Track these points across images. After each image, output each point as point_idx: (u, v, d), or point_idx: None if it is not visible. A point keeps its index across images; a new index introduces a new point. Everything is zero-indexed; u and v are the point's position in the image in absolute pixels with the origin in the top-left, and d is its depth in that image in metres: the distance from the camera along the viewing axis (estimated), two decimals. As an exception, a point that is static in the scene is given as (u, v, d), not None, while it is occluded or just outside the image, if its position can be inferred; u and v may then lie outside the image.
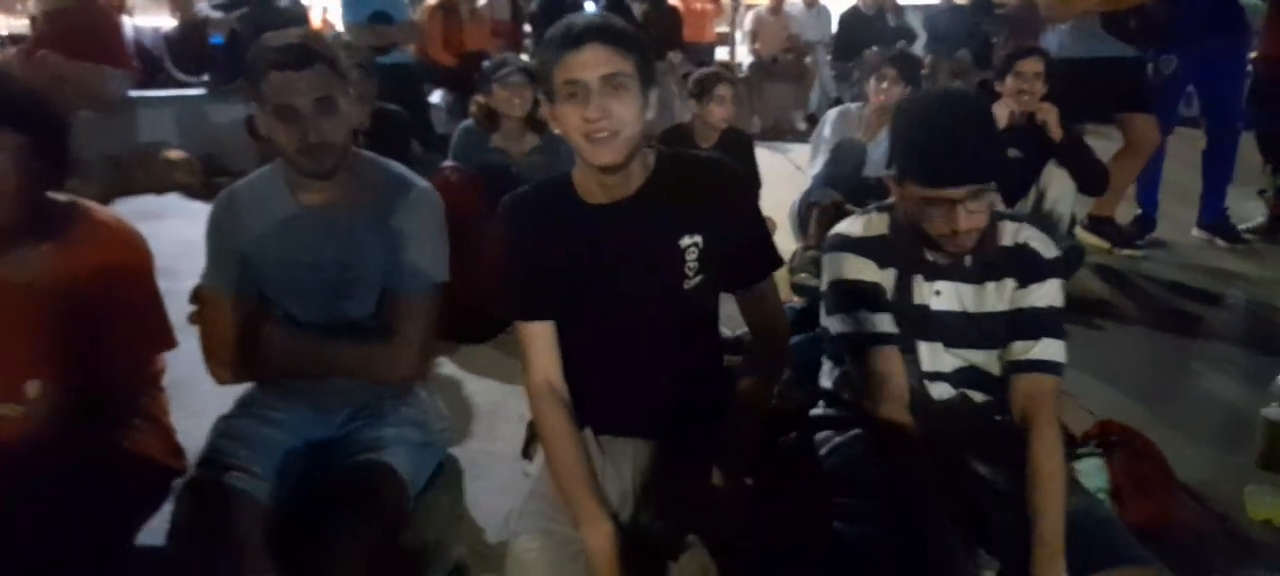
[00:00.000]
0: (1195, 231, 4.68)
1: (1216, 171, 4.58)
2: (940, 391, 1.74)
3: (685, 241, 1.56)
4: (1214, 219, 4.65)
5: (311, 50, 1.70)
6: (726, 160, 1.65)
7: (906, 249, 1.72)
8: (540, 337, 1.61)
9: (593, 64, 1.42)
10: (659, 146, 1.64)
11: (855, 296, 1.71)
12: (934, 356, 1.73)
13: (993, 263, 1.70)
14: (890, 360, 1.67)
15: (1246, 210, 4.83)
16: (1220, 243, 4.57)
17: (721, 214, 1.58)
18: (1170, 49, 4.42)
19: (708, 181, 1.60)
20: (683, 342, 1.62)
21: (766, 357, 1.67)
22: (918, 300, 1.72)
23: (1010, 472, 1.60)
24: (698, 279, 1.58)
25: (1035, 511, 1.50)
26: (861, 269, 1.72)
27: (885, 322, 1.69)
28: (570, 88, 1.44)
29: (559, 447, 1.56)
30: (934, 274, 1.71)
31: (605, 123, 1.43)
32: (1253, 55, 4.76)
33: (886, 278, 1.72)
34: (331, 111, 1.71)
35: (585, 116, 1.43)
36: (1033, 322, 1.66)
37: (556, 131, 1.53)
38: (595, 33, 1.43)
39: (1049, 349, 1.64)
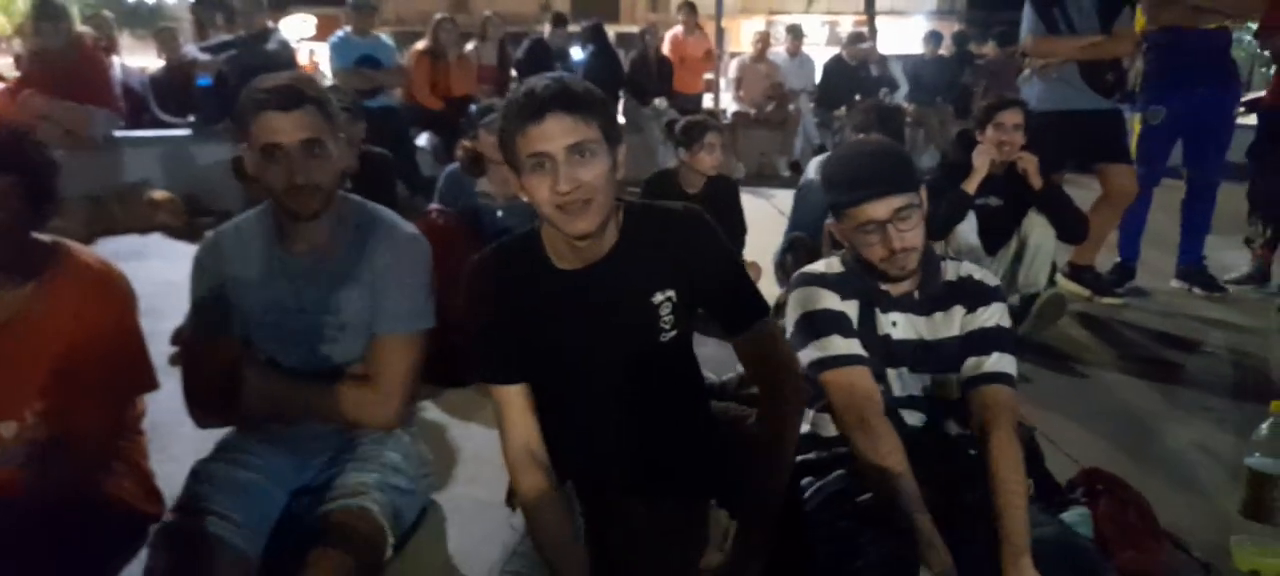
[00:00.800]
0: (1173, 281, 4.72)
1: (1195, 220, 4.61)
2: (913, 418, 1.79)
3: (658, 297, 1.55)
4: (1191, 266, 4.67)
5: (301, 92, 1.71)
6: (696, 209, 1.62)
7: (861, 282, 1.81)
8: (514, 401, 1.59)
9: (556, 134, 1.39)
10: (629, 199, 1.61)
11: (823, 323, 1.77)
12: (902, 382, 1.80)
13: (939, 296, 1.81)
14: (861, 375, 1.73)
15: (1230, 259, 4.88)
16: (1197, 291, 4.60)
17: (695, 265, 1.56)
18: (1158, 99, 4.50)
19: (679, 234, 1.57)
20: (662, 394, 1.61)
21: (777, 402, 1.62)
22: (880, 331, 1.80)
23: (979, 492, 1.63)
24: (673, 333, 1.57)
25: (998, 513, 1.55)
26: (826, 299, 1.80)
27: (853, 346, 1.76)
28: (536, 160, 1.40)
29: (540, 514, 1.54)
30: (889, 305, 1.81)
31: (576, 193, 1.40)
32: (1244, 103, 4.84)
33: (850, 308, 1.80)
34: (318, 153, 1.71)
35: (556, 189, 1.40)
36: (983, 340, 1.77)
37: (526, 200, 1.48)
38: (555, 101, 1.39)
39: (1001, 362, 1.74)
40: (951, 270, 1.84)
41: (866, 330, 1.79)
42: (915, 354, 1.80)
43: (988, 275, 1.85)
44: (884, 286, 1.80)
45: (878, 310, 1.80)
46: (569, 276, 1.55)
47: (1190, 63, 4.37)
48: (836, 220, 1.79)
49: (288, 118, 1.68)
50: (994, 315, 1.79)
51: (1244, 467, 2.08)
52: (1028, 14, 4.40)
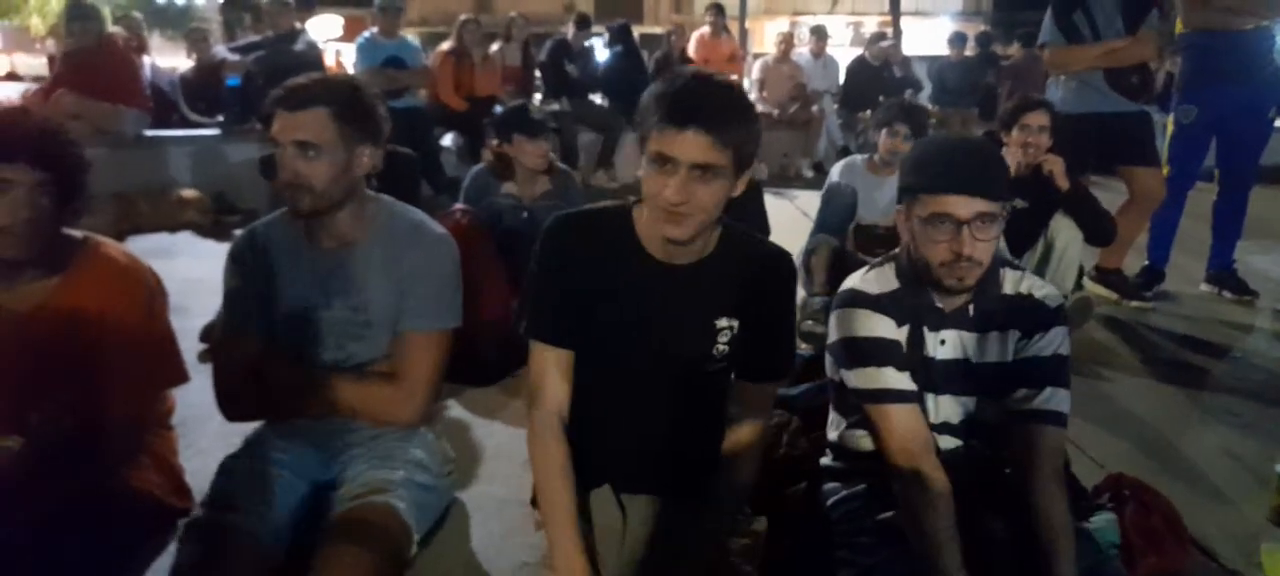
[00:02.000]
0: (1203, 285, 4.65)
1: (1226, 223, 4.53)
2: (948, 443, 1.73)
3: (722, 322, 1.56)
4: (1220, 270, 4.59)
5: (311, 93, 1.74)
6: (784, 252, 1.64)
7: (913, 298, 1.70)
8: (558, 365, 1.59)
9: (690, 149, 1.37)
10: (727, 221, 1.59)
11: (873, 352, 1.67)
12: (939, 408, 1.72)
13: (994, 311, 1.70)
14: (915, 418, 1.64)
15: (1262, 265, 4.79)
16: (1227, 295, 4.53)
17: (764, 305, 1.58)
18: (1192, 99, 4.42)
19: (763, 271, 1.59)
20: (691, 409, 1.62)
21: (738, 456, 1.61)
22: (926, 353, 1.71)
23: (1012, 522, 1.60)
24: (722, 365, 1.59)
25: (1048, 556, 1.49)
26: (879, 326, 1.69)
27: (906, 381, 1.66)
28: (662, 160, 1.40)
29: (552, 481, 1.54)
30: (939, 322, 1.70)
31: (685, 207, 1.41)
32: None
33: (902, 335, 1.70)
34: (310, 155, 1.73)
35: (667, 195, 1.40)
36: (1038, 371, 1.65)
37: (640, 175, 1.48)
38: (702, 118, 1.37)
39: (1054, 399, 1.63)
40: (1011, 282, 1.72)
41: (913, 354, 1.69)
42: (959, 376, 1.70)
43: (1051, 292, 1.72)
44: (938, 302, 1.69)
45: (926, 330, 1.70)
46: (653, 264, 1.56)
47: (1225, 64, 4.28)
48: (907, 206, 1.66)
49: (290, 118, 1.72)
50: (1052, 343, 1.67)
51: (1273, 474, 2.05)
52: (1047, 23, 4.36)
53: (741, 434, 1.62)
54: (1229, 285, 4.55)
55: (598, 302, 1.56)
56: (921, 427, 1.64)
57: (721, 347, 1.57)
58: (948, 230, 1.57)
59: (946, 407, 1.72)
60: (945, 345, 1.70)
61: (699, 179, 1.39)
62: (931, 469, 1.58)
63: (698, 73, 1.45)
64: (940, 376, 1.70)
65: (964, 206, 1.55)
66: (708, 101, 1.38)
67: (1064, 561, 1.48)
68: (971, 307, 1.70)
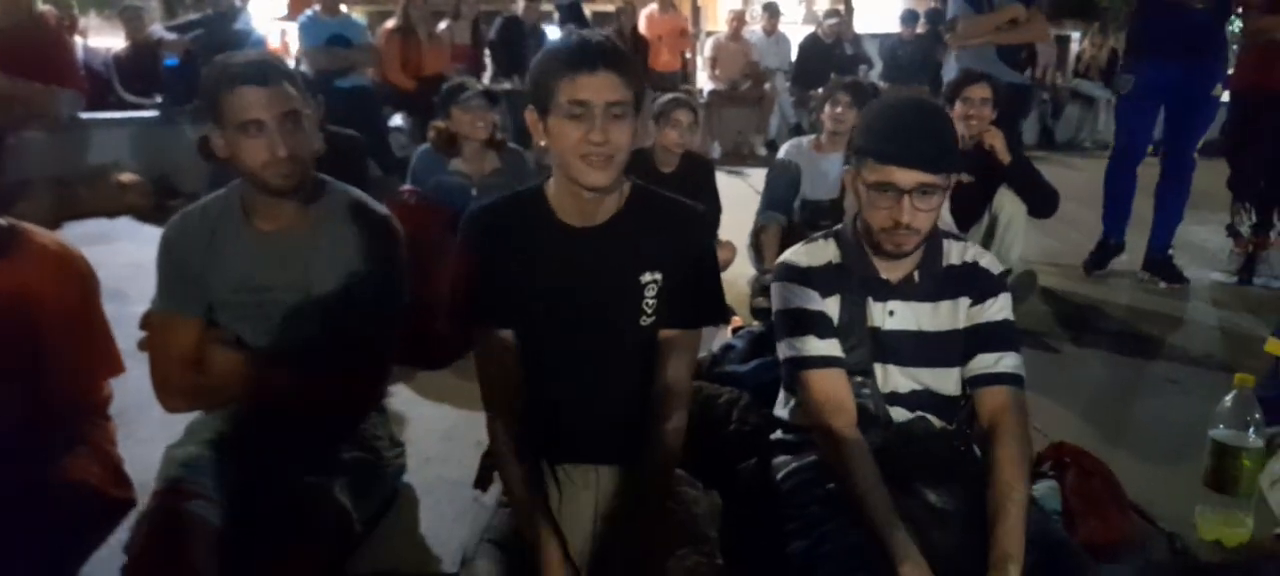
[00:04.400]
0: (1140, 272, 4.59)
1: (1168, 204, 4.47)
2: (899, 415, 1.74)
3: (645, 277, 1.58)
4: (1156, 255, 4.53)
5: (275, 67, 1.72)
6: (696, 206, 1.68)
7: (857, 267, 1.73)
8: (503, 349, 1.60)
9: (603, 88, 1.45)
10: (634, 180, 1.65)
11: (799, 321, 1.71)
12: (889, 378, 1.74)
13: (943, 281, 1.73)
14: (834, 381, 1.67)
15: (1202, 238, 4.87)
16: (1161, 284, 4.46)
17: (682, 255, 1.61)
18: (1130, 68, 4.46)
19: (675, 222, 1.63)
20: (633, 373, 1.62)
21: (660, 417, 1.59)
22: (871, 322, 1.73)
23: (957, 496, 1.62)
24: (653, 319, 1.60)
25: (994, 515, 1.50)
26: (804, 297, 1.72)
27: (831, 347, 1.69)
28: (576, 107, 1.45)
29: (516, 468, 1.56)
30: (887, 293, 1.73)
31: (605, 148, 1.46)
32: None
33: (831, 305, 1.72)
34: (297, 127, 1.71)
35: (589, 138, 1.45)
36: (994, 337, 1.70)
37: (538, 146, 1.54)
38: (609, 59, 1.46)
39: (1012, 362, 1.68)
40: (956, 252, 1.75)
41: (853, 324, 1.71)
42: (911, 345, 1.72)
43: (993, 261, 1.76)
44: (883, 273, 1.72)
45: (871, 300, 1.72)
46: (569, 231, 1.59)
47: (1171, 39, 4.24)
48: (855, 168, 1.67)
49: (265, 92, 1.67)
50: (1002, 308, 1.71)
51: (1209, 439, 2.11)
52: None
53: (670, 379, 1.61)
54: (1163, 273, 4.50)
55: (523, 280, 1.58)
56: (838, 390, 1.67)
57: (650, 301, 1.59)
58: (889, 198, 1.59)
59: (895, 377, 1.73)
60: (894, 316, 1.72)
61: (614, 120, 1.47)
62: (844, 426, 1.62)
63: (581, 31, 1.55)
64: (889, 347, 1.72)
65: (907, 177, 1.57)
66: (605, 47, 1.48)
67: (1011, 522, 1.48)
68: (917, 274, 1.72)
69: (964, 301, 1.72)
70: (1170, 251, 4.54)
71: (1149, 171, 4.56)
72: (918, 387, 1.74)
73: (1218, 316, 3.98)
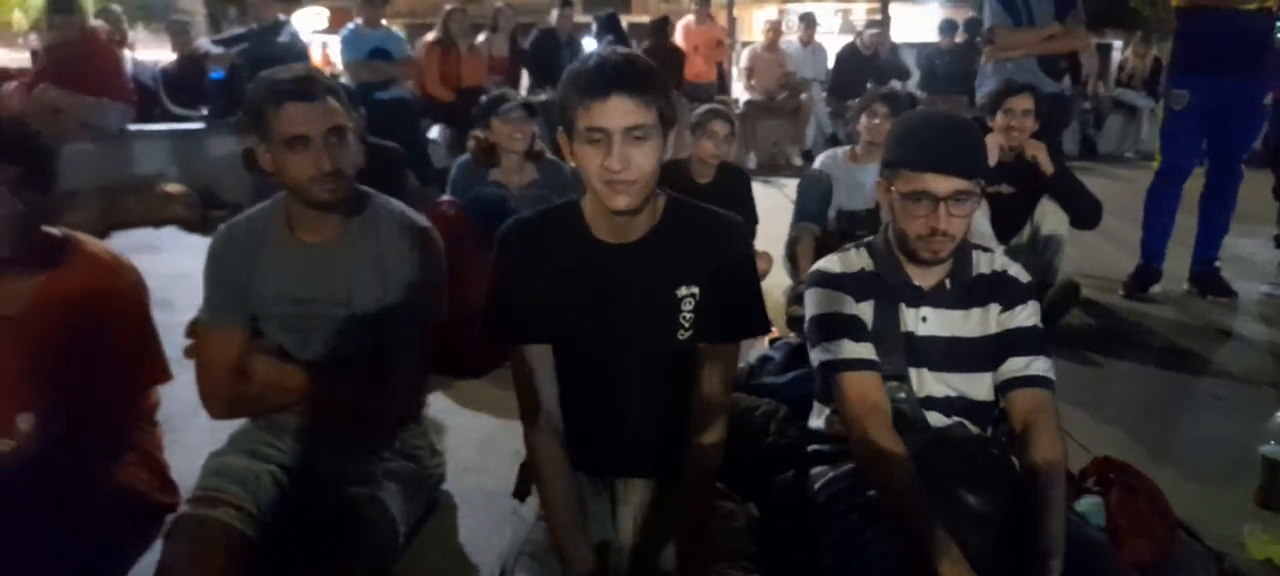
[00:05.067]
0: (1185, 285, 4.43)
1: (1214, 216, 4.32)
2: (935, 420, 1.74)
3: (682, 291, 1.57)
4: (1203, 270, 4.38)
5: (320, 82, 1.74)
6: (734, 217, 1.65)
7: (889, 275, 1.75)
8: (540, 364, 1.60)
9: (617, 114, 1.41)
10: (670, 192, 1.63)
11: (832, 326, 1.72)
12: (924, 383, 1.75)
13: (973, 289, 1.75)
14: (869, 383, 1.68)
15: (1250, 249, 4.72)
16: (1208, 298, 4.32)
17: (720, 268, 1.59)
18: (1183, 82, 4.20)
19: (712, 235, 1.61)
20: (671, 386, 1.62)
21: (701, 438, 1.59)
22: (903, 328, 1.74)
23: (994, 501, 1.60)
24: (690, 333, 1.59)
25: (1036, 510, 1.51)
26: (839, 302, 1.74)
27: (865, 350, 1.71)
28: (593, 134, 1.43)
29: (555, 483, 1.56)
30: (919, 300, 1.74)
31: (625, 173, 1.44)
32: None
33: (864, 310, 1.74)
34: (342, 141, 1.74)
35: (606, 165, 1.43)
36: (1024, 341, 1.72)
37: (570, 165, 1.52)
38: (621, 83, 1.41)
39: (1042, 365, 1.71)
40: (985, 262, 1.78)
41: (887, 329, 1.73)
42: (945, 351, 1.74)
43: (1021, 271, 1.79)
44: (915, 280, 1.74)
45: (903, 305, 1.74)
46: (604, 248, 1.58)
47: (1223, 47, 4.03)
48: (887, 180, 1.72)
49: (311, 108, 1.70)
50: (1032, 315, 1.74)
51: (1259, 456, 2.06)
52: (993, 5, 4.59)
53: (709, 391, 1.61)
54: (1211, 287, 4.35)
55: (560, 295, 1.58)
56: (873, 392, 1.68)
57: (687, 315, 1.58)
58: (925, 206, 1.63)
59: (930, 383, 1.75)
60: (927, 322, 1.74)
61: (633, 144, 1.43)
62: (879, 428, 1.62)
63: (609, 50, 1.50)
64: (923, 352, 1.74)
65: (943, 184, 1.61)
66: (621, 69, 1.44)
67: (1052, 517, 1.49)
68: (949, 282, 1.75)
69: (994, 308, 1.75)
70: (1217, 264, 4.41)
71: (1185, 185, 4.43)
72: (952, 393, 1.75)
73: (1266, 331, 3.88)
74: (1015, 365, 1.71)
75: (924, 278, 1.74)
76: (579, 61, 1.49)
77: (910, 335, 1.74)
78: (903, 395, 1.72)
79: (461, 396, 3.00)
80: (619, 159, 1.42)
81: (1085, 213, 3.71)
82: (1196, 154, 4.35)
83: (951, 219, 1.63)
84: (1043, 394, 1.68)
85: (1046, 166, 3.60)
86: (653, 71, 1.48)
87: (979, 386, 1.75)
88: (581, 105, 1.43)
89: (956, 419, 1.74)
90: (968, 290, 1.75)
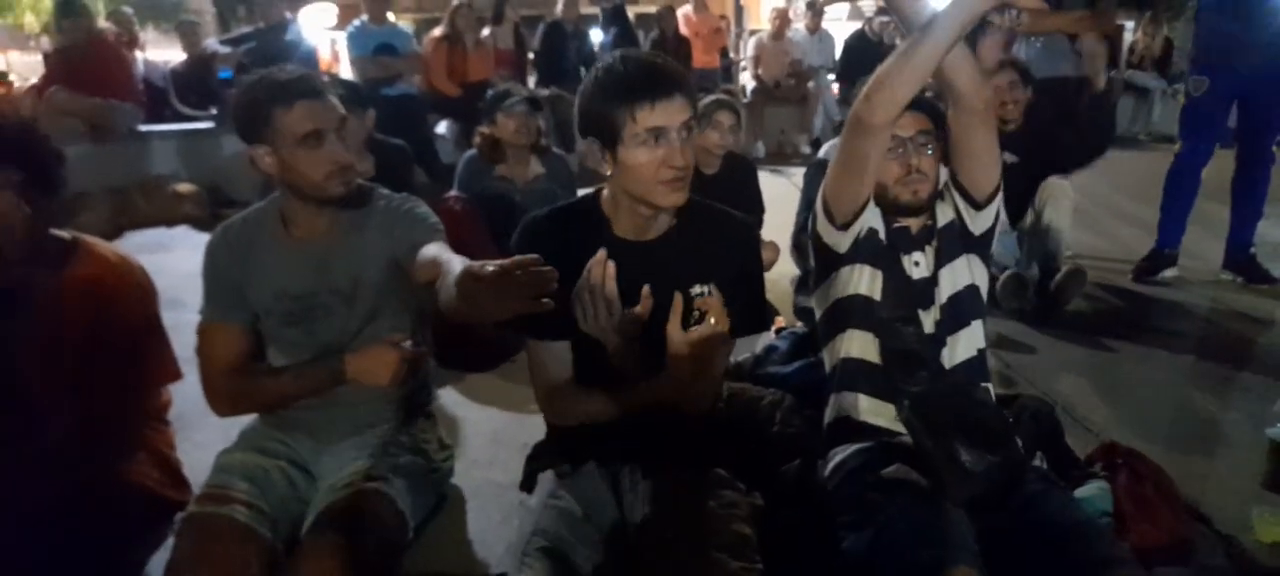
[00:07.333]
0: (1222, 272, 4.30)
1: (1246, 201, 4.17)
2: (948, 358, 1.83)
3: (696, 290, 1.60)
4: (1238, 255, 4.24)
5: (320, 79, 1.77)
6: (746, 219, 1.72)
7: (883, 228, 1.88)
8: (557, 359, 1.63)
9: (676, 112, 1.47)
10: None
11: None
12: (930, 321, 1.83)
13: (947, 238, 1.90)
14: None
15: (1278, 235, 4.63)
16: (1243, 282, 4.20)
17: (731, 268, 1.64)
18: (1204, 69, 4.09)
19: (726, 236, 1.67)
20: None
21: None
22: (907, 274, 1.86)
23: (984, 462, 1.61)
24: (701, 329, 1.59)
25: None
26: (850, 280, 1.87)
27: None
28: (654, 133, 1.47)
29: (593, 395, 1.62)
30: (909, 244, 1.87)
31: (686, 170, 1.49)
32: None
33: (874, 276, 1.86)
34: (346, 133, 1.76)
35: (670, 164, 1.47)
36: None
37: (608, 173, 1.54)
38: (678, 82, 1.47)
39: None
40: (942, 214, 1.90)
41: (896, 283, 1.85)
42: (938, 295, 1.85)
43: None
44: (902, 222, 1.86)
45: (901, 253, 1.86)
46: (625, 245, 1.61)
47: (1246, 31, 3.92)
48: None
49: (321, 104, 1.72)
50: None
51: (1266, 440, 2.06)
52: None
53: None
54: (1248, 272, 4.22)
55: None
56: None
57: (698, 312, 1.59)
58: (898, 147, 1.79)
59: (928, 323, 1.84)
60: (919, 266, 1.86)
61: (688, 141, 1.49)
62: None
63: (626, 54, 1.53)
64: (921, 294, 1.85)
65: (906, 125, 1.77)
66: (669, 69, 1.49)
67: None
68: (930, 231, 1.89)
69: (974, 258, 1.88)
70: (1252, 249, 4.27)
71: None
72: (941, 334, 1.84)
73: (1273, 315, 3.85)
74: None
75: (912, 222, 1.87)
76: (604, 68, 1.51)
77: (910, 280, 1.85)
78: (911, 329, 1.82)
79: (471, 390, 3.02)
80: (683, 155, 1.47)
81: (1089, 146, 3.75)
82: (1214, 140, 4.22)
83: (923, 157, 1.80)
84: None
85: (1099, 80, 3.62)
86: (683, 69, 1.54)
87: (973, 270, 1.88)
88: (633, 108, 1.46)
89: (968, 360, 1.84)
90: (945, 240, 1.87)
